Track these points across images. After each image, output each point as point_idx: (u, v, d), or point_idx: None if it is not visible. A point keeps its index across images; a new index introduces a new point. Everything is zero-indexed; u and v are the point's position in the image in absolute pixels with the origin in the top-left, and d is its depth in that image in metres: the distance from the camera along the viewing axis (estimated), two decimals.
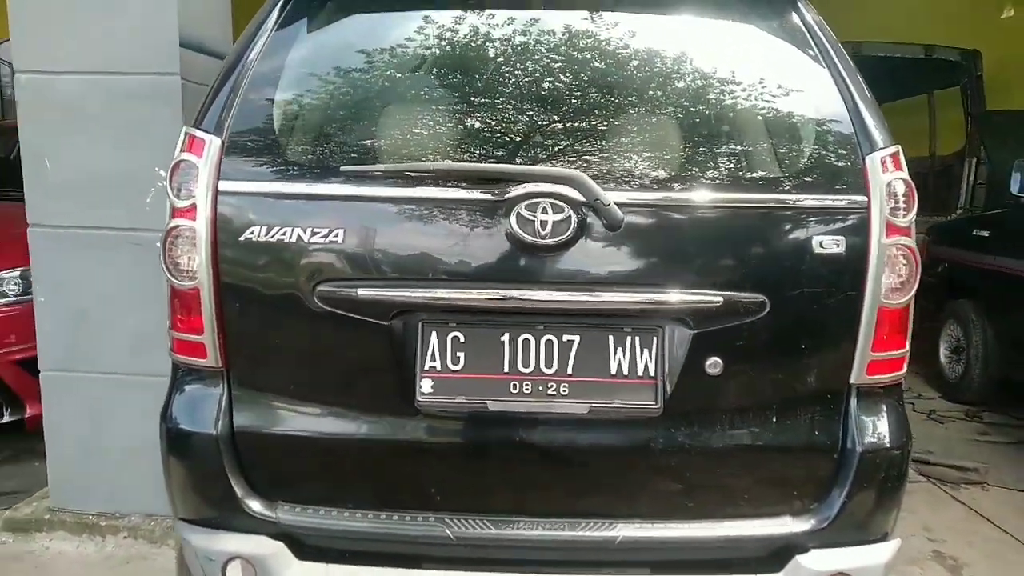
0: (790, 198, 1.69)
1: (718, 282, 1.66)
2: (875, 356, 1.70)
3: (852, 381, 1.71)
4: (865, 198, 1.69)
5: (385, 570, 1.67)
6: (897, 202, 1.69)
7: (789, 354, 1.71)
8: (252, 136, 1.69)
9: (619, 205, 1.61)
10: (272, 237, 1.64)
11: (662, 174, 1.73)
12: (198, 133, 1.67)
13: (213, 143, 1.66)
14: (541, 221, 1.60)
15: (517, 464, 1.72)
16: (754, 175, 1.77)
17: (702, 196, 1.67)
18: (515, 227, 1.60)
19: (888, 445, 1.72)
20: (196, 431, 1.70)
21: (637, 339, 1.66)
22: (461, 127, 1.80)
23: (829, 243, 1.67)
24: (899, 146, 1.74)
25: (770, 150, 1.79)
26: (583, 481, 1.71)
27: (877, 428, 1.73)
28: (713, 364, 1.66)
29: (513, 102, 1.79)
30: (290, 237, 1.64)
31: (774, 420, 1.71)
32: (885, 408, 1.75)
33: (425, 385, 1.64)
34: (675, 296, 1.64)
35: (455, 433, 1.71)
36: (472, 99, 1.83)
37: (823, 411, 1.72)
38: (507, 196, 1.61)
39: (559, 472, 1.71)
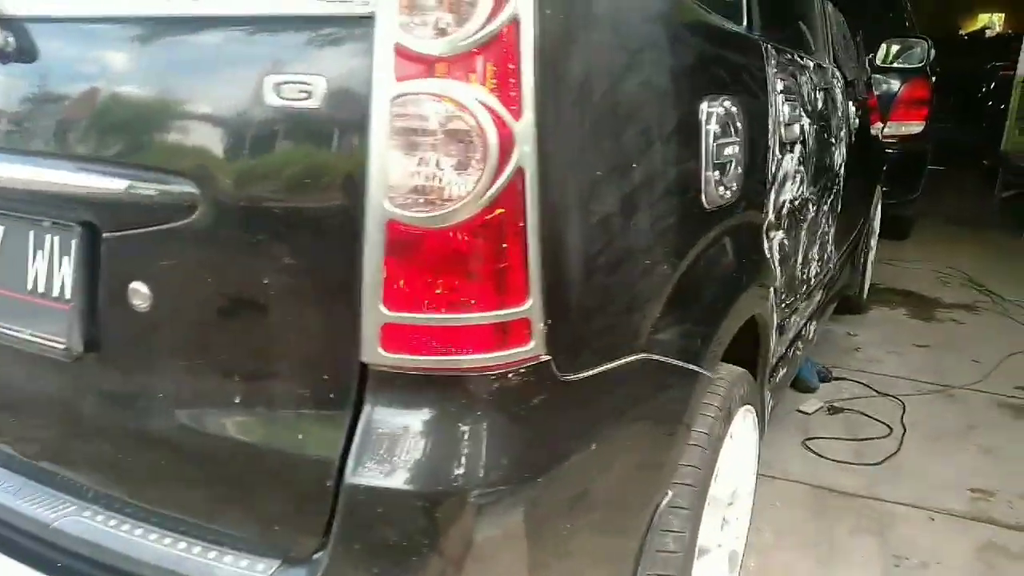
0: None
1: (126, 153, 0.97)
2: (394, 317, 0.87)
3: (364, 359, 0.91)
4: None
5: None
6: (422, 7, 0.80)
7: (243, 292, 0.96)
8: None
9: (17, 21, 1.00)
10: None
11: None
12: None
13: None
14: None
15: None
16: None
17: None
18: None
19: (418, 485, 0.90)
20: None
21: (56, 239, 1.06)
22: None
23: (293, 89, 0.86)
24: None
25: None
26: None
27: (402, 449, 0.91)
28: (137, 293, 1.00)
29: None
30: None
31: (236, 401, 0.99)
32: (440, 415, 0.91)
33: None
34: (64, 173, 1.00)
35: None
36: None
37: (318, 404, 0.96)
38: None
39: None
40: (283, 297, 0.93)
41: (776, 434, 2.63)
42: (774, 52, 1.61)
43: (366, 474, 0.90)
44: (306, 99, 0.85)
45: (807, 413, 2.81)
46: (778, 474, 2.40)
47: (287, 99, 0.86)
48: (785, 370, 2.18)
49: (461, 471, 0.89)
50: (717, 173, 1.27)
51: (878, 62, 4.20)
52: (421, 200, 0.83)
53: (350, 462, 0.91)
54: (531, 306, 0.89)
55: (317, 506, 0.95)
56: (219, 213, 0.92)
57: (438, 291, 0.86)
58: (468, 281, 0.86)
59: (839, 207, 2.48)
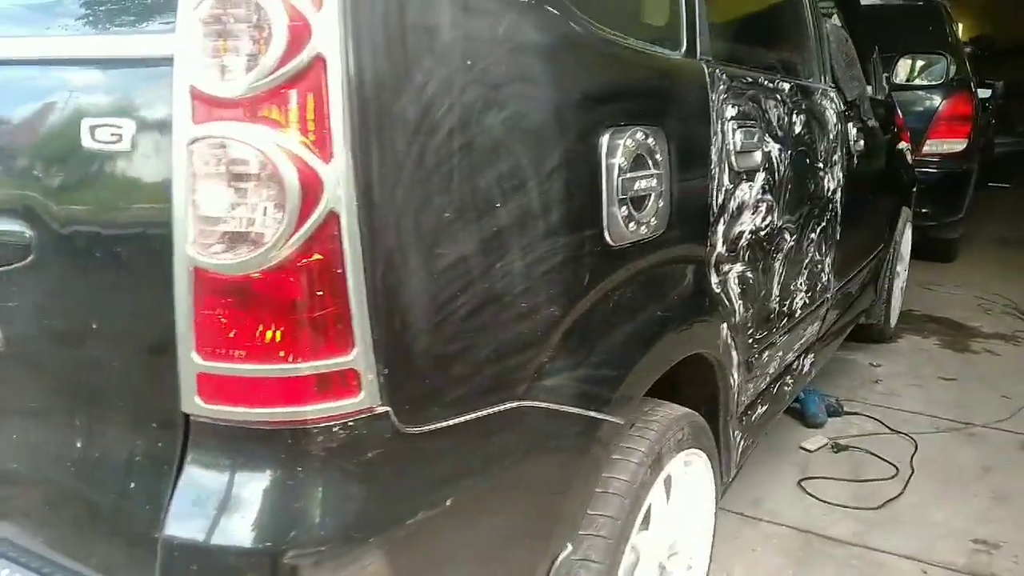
0: (62, 44, 0.88)
1: None
2: (208, 366, 0.84)
3: (184, 409, 0.87)
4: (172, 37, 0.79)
5: None
6: (217, 49, 0.77)
7: (75, 335, 0.94)
8: None
9: None
10: None
11: None
12: None
13: None
14: None
15: None
16: None
17: None
18: None
19: (229, 542, 0.85)
20: None
21: None
22: None
23: (105, 132, 0.84)
24: None
25: None
26: None
27: (218, 503, 0.86)
28: None
29: None
30: None
31: (79, 446, 0.97)
32: (260, 469, 0.86)
33: None
34: None
35: None
36: None
37: (149, 453, 0.93)
38: None
39: None
40: (111, 343, 0.91)
41: (770, 473, 2.50)
42: (724, 77, 1.53)
43: (180, 528, 0.86)
44: (117, 142, 0.83)
45: (809, 450, 2.67)
46: (765, 516, 2.28)
47: (101, 142, 0.83)
48: (766, 408, 2.07)
49: (277, 529, 0.85)
50: (625, 209, 1.20)
51: (900, 79, 4.02)
52: (222, 246, 0.79)
53: (168, 515, 0.87)
54: (357, 356, 0.84)
55: (149, 559, 0.91)
56: (50, 256, 0.91)
57: (249, 341, 0.82)
58: (281, 330, 0.82)
59: (836, 234, 2.36)
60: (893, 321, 3.66)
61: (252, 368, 0.83)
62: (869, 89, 2.94)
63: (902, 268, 3.68)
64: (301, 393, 0.84)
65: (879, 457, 2.63)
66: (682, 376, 1.66)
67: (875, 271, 3.19)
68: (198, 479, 0.87)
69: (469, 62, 0.93)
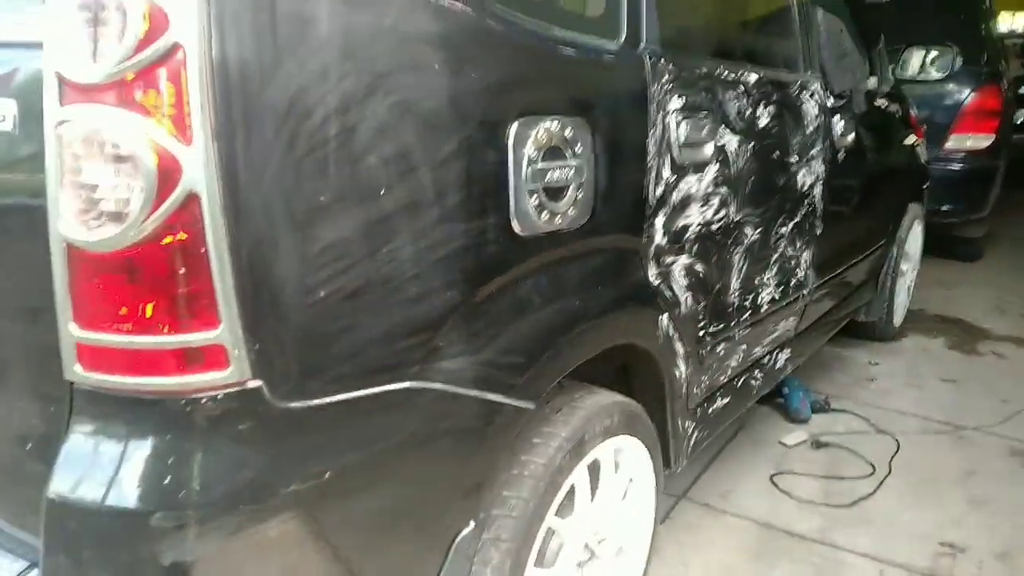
0: None
1: None
2: (84, 337, 0.89)
3: (66, 377, 0.93)
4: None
5: None
6: (75, 36, 0.81)
7: None
8: None
9: None
10: None
11: None
12: None
13: None
14: None
15: None
16: None
17: None
18: None
19: (100, 503, 0.90)
20: None
21: None
22: None
23: None
24: None
25: None
26: None
27: (94, 466, 0.92)
28: None
29: None
30: None
31: None
32: (132, 436, 0.92)
33: None
34: None
35: None
36: None
37: (43, 417, 1.00)
38: None
39: None
40: (8, 313, 0.97)
41: (744, 466, 2.50)
42: (671, 68, 1.53)
43: (61, 487, 0.92)
44: (1, 123, 0.88)
45: (787, 446, 2.65)
46: (730, 508, 2.28)
47: None
48: (727, 401, 2.07)
49: (149, 492, 0.90)
50: (536, 199, 1.22)
51: (910, 73, 3.91)
52: (88, 224, 0.84)
53: (53, 475, 0.93)
54: (223, 332, 0.89)
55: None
56: None
57: (119, 314, 0.87)
58: (149, 305, 0.86)
59: (816, 229, 2.33)
60: (897, 320, 3.59)
61: (123, 340, 0.88)
62: (872, 81, 2.88)
63: (910, 266, 3.60)
64: (169, 365, 0.88)
65: (858, 455, 2.60)
66: (630, 366, 1.68)
67: (873, 268, 3.14)
68: (81, 443, 0.93)
69: (349, 52, 0.95)
